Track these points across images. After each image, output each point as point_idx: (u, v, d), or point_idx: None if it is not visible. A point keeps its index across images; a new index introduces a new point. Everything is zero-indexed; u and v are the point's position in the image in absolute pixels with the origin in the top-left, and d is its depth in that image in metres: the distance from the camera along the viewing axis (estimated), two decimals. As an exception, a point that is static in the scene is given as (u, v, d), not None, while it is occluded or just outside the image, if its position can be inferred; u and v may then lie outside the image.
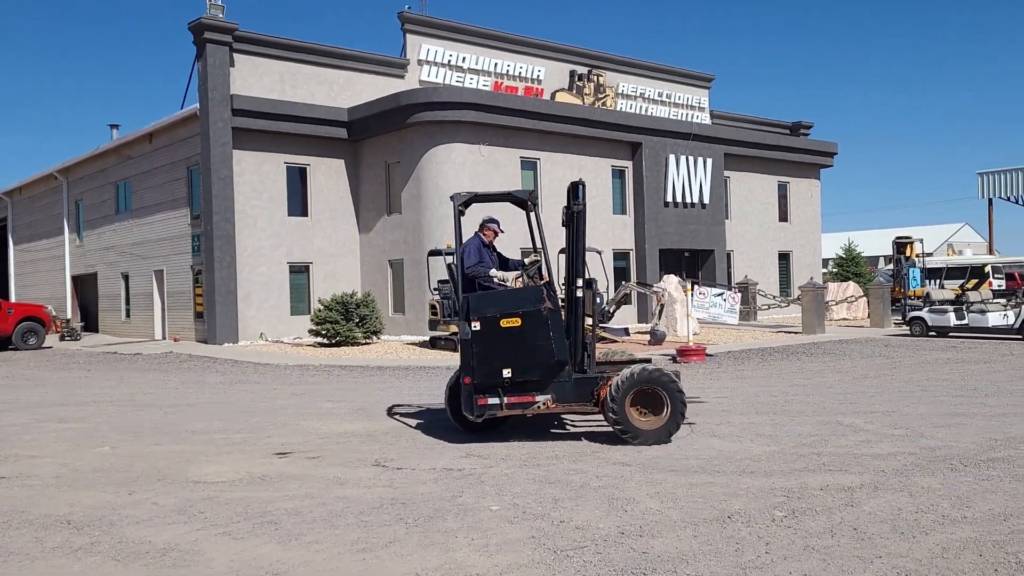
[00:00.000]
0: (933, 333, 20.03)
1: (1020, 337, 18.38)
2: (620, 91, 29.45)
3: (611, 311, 20.44)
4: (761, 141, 30.27)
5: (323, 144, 23.84)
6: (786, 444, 7.84)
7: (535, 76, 27.79)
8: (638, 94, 29.41)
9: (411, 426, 9.35)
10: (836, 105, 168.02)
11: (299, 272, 23.73)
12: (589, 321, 8.44)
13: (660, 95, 29.79)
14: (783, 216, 31.70)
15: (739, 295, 20.60)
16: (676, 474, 6.79)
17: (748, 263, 29.97)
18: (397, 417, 9.98)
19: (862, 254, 40.03)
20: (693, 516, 5.58)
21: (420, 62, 25.87)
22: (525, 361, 7.95)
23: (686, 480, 6.57)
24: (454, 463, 7.37)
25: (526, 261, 9.17)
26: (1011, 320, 18.64)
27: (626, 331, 20.50)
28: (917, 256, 28.06)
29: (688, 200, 27.26)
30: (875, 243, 59.03)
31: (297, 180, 23.76)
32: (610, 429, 8.08)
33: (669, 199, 26.80)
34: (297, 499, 6.25)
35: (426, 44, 25.97)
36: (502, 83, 27.11)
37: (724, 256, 28.84)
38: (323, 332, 20.09)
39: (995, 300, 20.18)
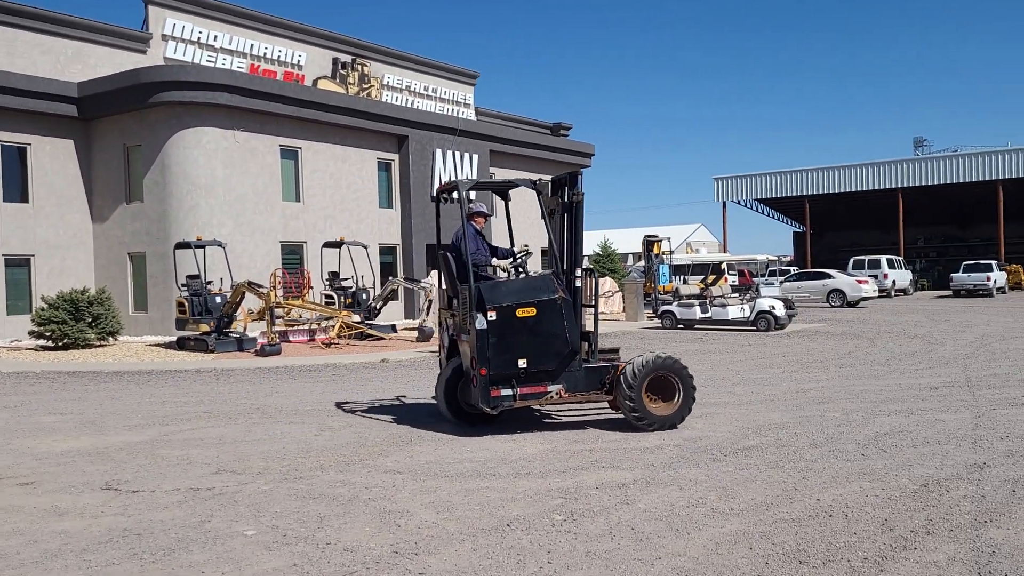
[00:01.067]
0: (682, 326, 21.45)
1: (755, 328, 20.15)
2: (385, 82, 28.84)
3: (378, 307, 19.84)
4: (525, 139, 31.00)
5: (47, 122, 21.05)
6: (560, 442, 7.73)
7: (295, 61, 26.45)
8: (404, 87, 28.97)
9: (151, 440, 8.21)
10: (593, 110, 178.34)
11: (18, 266, 20.76)
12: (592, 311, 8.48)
13: (426, 89, 29.55)
14: (544, 214, 32.67)
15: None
16: (451, 480, 6.40)
17: (512, 259, 30.55)
18: (139, 429, 8.75)
19: (617, 251, 42.46)
20: (471, 526, 5.20)
21: (165, 37, 23.66)
22: (541, 351, 7.93)
23: (462, 486, 6.20)
24: (202, 481, 6.48)
25: (516, 250, 9.03)
26: (747, 313, 20.37)
27: (393, 328, 19.98)
28: (664, 254, 30.08)
29: (454, 195, 27.20)
30: (628, 241, 63.07)
31: (16, 161, 20.78)
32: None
33: (435, 193, 26.59)
34: (1, 537, 5.12)
35: (172, 18, 23.78)
36: (259, 66, 25.51)
37: (489, 252, 29.15)
38: (47, 334, 17.66)
39: (732, 295, 21.99)
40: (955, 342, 16.20)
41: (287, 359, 15.99)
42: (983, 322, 20.98)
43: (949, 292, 36.58)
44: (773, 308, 20.11)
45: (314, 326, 18.92)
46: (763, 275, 41.17)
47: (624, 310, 25.99)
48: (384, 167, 25.76)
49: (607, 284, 29.12)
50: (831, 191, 46.84)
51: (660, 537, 4.91)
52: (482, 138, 28.52)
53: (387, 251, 25.86)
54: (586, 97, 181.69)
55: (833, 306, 30.41)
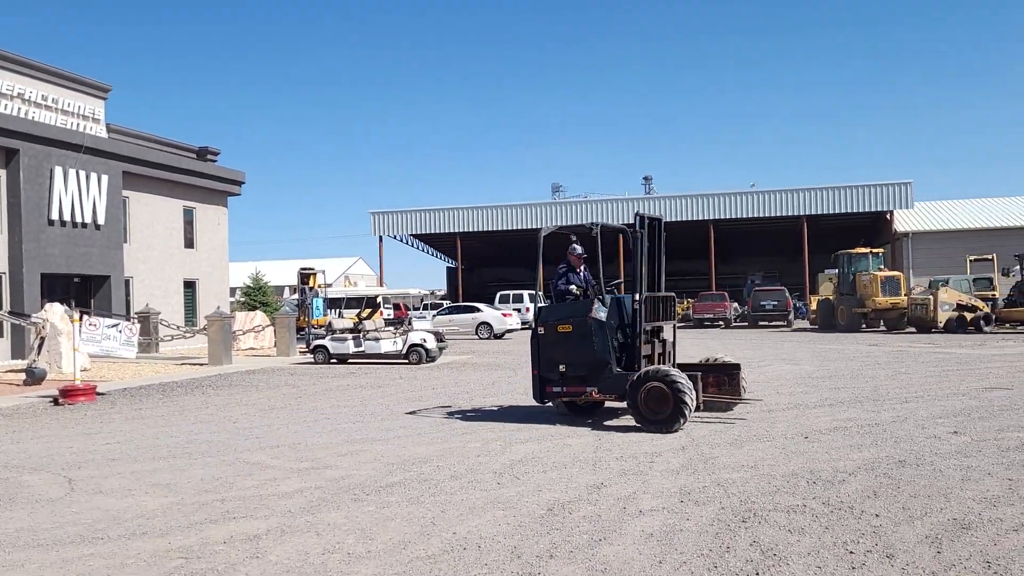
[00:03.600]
0: (335, 360, 21.10)
1: (407, 361, 20.45)
2: (-7, 86, 24.92)
3: (-26, 347, 16.82)
4: (166, 163, 28.72)
5: None
6: (186, 493, 6.97)
7: None
8: (15, 94, 25.25)
9: None
10: (244, 134, 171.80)
11: None
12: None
13: (45, 99, 26.02)
14: (189, 243, 30.52)
15: (137, 326, 18.89)
16: (45, 550, 5.41)
17: (150, 291, 28.01)
18: None
19: (269, 284, 40.93)
20: (61, 608, 4.38)
21: None
22: (575, 359, 9.95)
23: (58, 556, 5.26)
24: None
25: (595, 283, 10.87)
26: (399, 346, 20.64)
27: (-5, 370, 17.05)
28: (320, 287, 29.57)
29: (79, 219, 24.31)
30: (282, 273, 61.26)
31: None
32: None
33: (55, 216, 23.52)
34: None
35: None
36: None
37: (122, 283, 26.42)
38: None
39: (386, 328, 22.17)
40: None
41: None
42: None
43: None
44: (424, 341, 20.61)
45: None
46: (418, 308, 42.40)
47: (276, 345, 24.98)
48: (-12, 183, 22.15)
49: (257, 318, 27.84)
50: (480, 229, 49.84)
51: (290, 592, 4.54)
52: (114, 157, 25.83)
53: (-9, 280, 22.21)
54: (237, 123, 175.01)
55: (482, 338, 32.16)
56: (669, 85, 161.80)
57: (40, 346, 16.88)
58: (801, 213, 44.75)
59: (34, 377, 16.29)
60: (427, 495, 6.65)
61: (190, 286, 30.41)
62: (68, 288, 25.16)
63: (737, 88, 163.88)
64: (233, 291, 39.90)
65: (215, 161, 33.58)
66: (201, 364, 21.29)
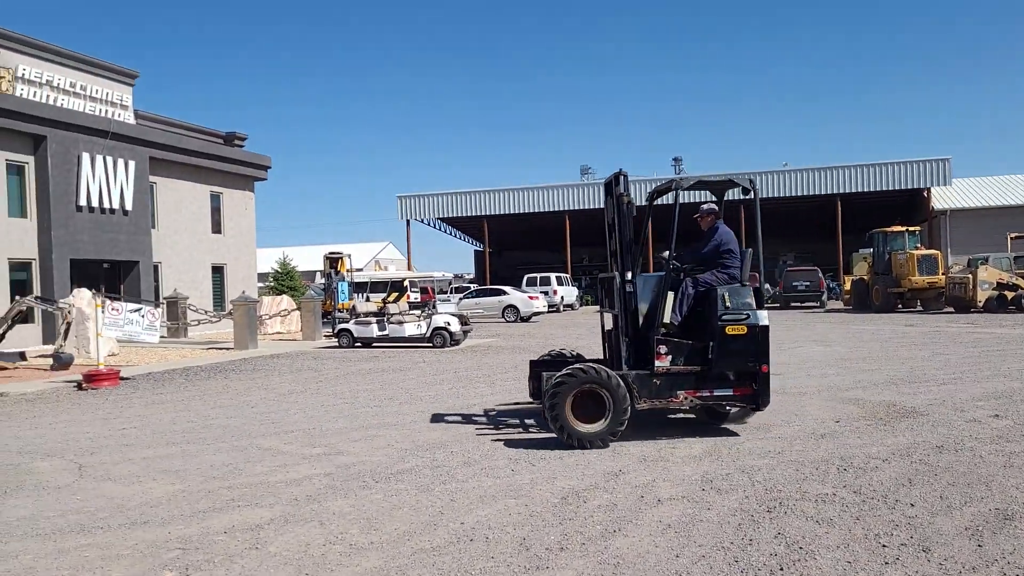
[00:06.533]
0: (359, 344, 20.98)
1: (431, 345, 20.27)
2: (21, 75, 25.06)
3: (1, 332, 16.96)
4: (193, 148, 28.75)
5: None
6: (194, 480, 6.81)
7: None
8: (45, 81, 25.37)
9: None
10: (272, 120, 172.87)
11: None
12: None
13: (74, 86, 26.14)
14: (217, 228, 30.59)
15: (159, 311, 18.87)
16: (43, 539, 5.27)
17: (179, 276, 28.12)
18: None
19: (296, 268, 41.03)
20: (49, 602, 4.21)
21: None
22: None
23: (55, 546, 5.11)
24: None
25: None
26: (423, 330, 20.46)
27: (21, 355, 17.15)
28: (348, 271, 29.50)
29: (107, 205, 24.42)
30: (312, 259, 61.47)
31: None
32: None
33: (83, 203, 23.63)
34: None
35: None
36: None
37: (151, 268, 26.55)
38: None
39: (411, 312, 22.00)
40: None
41: None
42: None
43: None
44: (448, 324, 20.40)
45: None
46: (445, 292, 42.27)
47: (301, 329, 24.96)
48: (15, 170, 22.29)
49: (284, 302, 27.87)
50: (507, 212, 49.48)
51: (286, 586, 4.33)
52: (141, 143, 25.89)
53: (20, 267, 22.39)
54: (266, 108, 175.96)
55: (508, 321, 31.90)
56: (698, 63, 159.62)
57: (67, 331, 16.92)
58: (835, 191, 43.79)
59: (61, 362, 16.35)
60: (438, 483, 6.41)
61: (218, 271, 30.51)
62: (98, 274, 25.32)
63: (767, 64, 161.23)
64: (263, 276, 40.05)
65: (242, 146, 33.61)
66: (227, 348, 21.30)
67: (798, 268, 38.84)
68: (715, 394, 7.77)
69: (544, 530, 5.12)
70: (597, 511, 5.49)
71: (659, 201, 9.23)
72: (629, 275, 8.04)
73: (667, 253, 8.16)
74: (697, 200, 8.92)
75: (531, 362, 9.14)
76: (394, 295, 33.08)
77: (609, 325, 8.39)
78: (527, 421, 9.05)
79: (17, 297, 18.77)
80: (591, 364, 7.74)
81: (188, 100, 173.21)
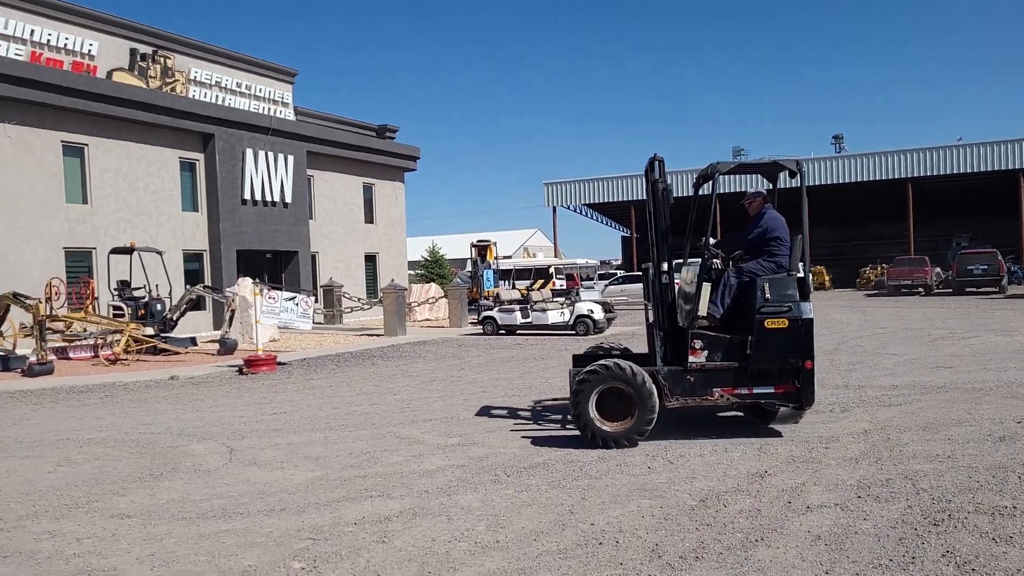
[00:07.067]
0: (503, 331, 21.10)
1: (574, 332, 20.10)
2: (192, 77, 26.84)
3: (174, 319, 18.21)
4: (346, 141, 29.86)
5: None
6: (332, 467, 6.93)
7: (86, 51, 24.02)
8: (213, 82, 27.07)
9: None
10: (419, 112, 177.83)
11: None
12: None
13: (239, 86, 27.76)
14: (369, 218, 31.67)
15: (312, 299, 19.68)
16: (187, 523, 5.47)
17: (334, 265, 29.35)
18: None
19: (445, 256, 41.95)
20: (184, 588, 4.33)
21: (-77, 17, 20.82)
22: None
23: (197, 531, 5.29)
24: None
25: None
26: (567, 317, 20.30)
27: (192, 341, 18.38)
28: (495, 259, 29.82)
29: (269, 198, 25.76)
30: (460, 247, 62.73)
31: None
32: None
33: (248, 196, 25.04)
34: None
35: (-67, -5, 20.96)
36: (42, 54, 22.95)
37: (309, 257, 27.84)
38: None
39: (554, 299, 21.90)
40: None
41: (60, 379, 14.21)
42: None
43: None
44: (591, 312, 20.14)
45: (99, 340, 17.04)
46: (592, 279, 41.95)
47: (448, 316, 25.43)
48: (188, 167, 23.90)
49: (432, 290, 28.51)
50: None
51: (408, 583, 4.25)
52: (299, 138, 27.13)
53: (193, 258, 24.02)
54: (415, 101, 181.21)
55: (654, 308, 31.17)
56: (859, 40, 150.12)
57: (231, 318, 17.98)
58: (1016, 167, 39.94)
59: (226, 347, 17.38)
60: (570, 479, 6.20)
61: (371, 260, 31.60)
62: (262, 263, 26.81)
63: (938, 33, 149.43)
64: (414, 264, 41.20)
65: (393, 138, 34.62)
66: (377, 335, 22.00)
67: (974, 251, 35.74)
68: (754, 392, 7.20)
69: (679, 535, 4.80)
70: (738, 517, 5.10)
71: (724, 189, 8.54)
72: (664, 265, 7.54)
73: (704, 240, 7.56)
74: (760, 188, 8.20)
75: (574, 356, 8.72)
76: (539, 282, 33.17)
77: (651, 318, 7.88)
78: (670, 412, 8.66)
79: (188, 286, 20.14)
80: (617, 360, 7.28)
81: (343, 95, 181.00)
